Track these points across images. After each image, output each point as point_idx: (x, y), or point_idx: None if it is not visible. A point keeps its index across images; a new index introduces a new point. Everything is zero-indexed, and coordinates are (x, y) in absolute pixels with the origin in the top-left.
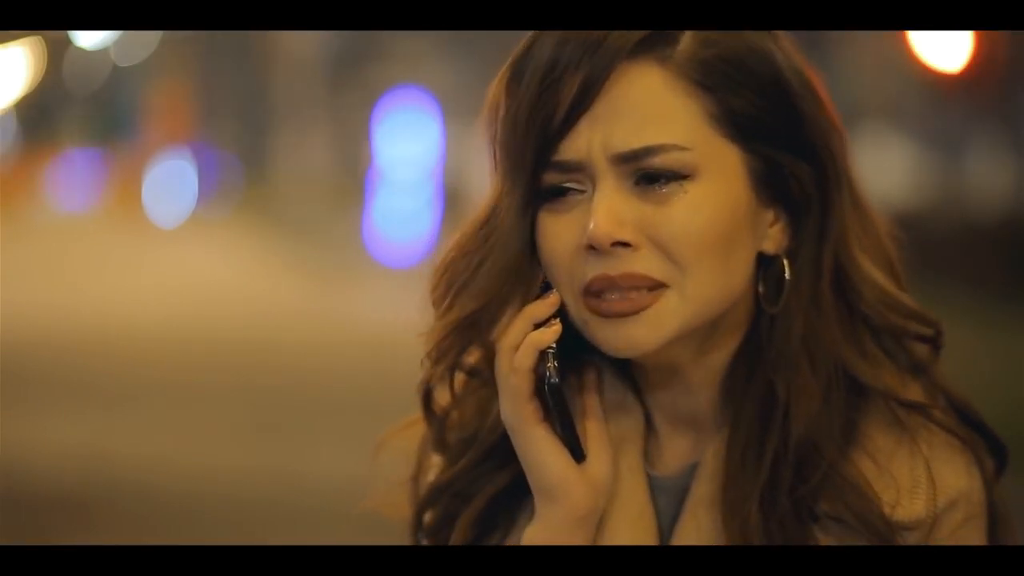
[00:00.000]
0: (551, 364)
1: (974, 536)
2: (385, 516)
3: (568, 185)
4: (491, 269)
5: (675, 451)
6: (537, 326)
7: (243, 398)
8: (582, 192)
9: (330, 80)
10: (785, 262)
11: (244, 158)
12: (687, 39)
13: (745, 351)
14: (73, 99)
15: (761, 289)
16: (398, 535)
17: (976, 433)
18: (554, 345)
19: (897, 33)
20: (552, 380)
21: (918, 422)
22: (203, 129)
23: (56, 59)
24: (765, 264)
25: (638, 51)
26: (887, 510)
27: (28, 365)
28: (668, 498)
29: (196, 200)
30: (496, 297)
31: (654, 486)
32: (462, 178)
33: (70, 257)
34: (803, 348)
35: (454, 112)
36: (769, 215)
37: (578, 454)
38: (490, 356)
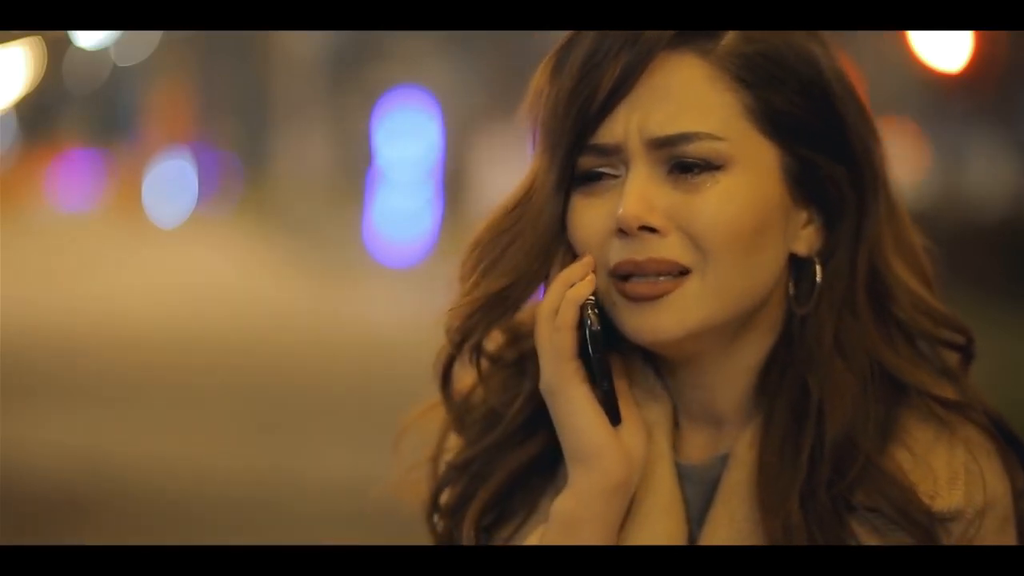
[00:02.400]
0: (591, 312)
1: (1010, 538)
2: (401, 500)
3: (603, 170)
4: (520, 247)
5: (701, 441)
6: None
7: (243, 398)
8: (616, 177)
9: (330, 80)
10: (817, 265)
11: (244, 158)
12: (730, 34)
13: (777, 353)
14: (73, 99)
15: (791, 290)
16: (398, 535)
17: (1009, 445)
18: (592, 296)
19: (897, 33)
20: (593, 328)
21: (956, 419)
22: (203, 129)
23: (56, 59)
24: (797, 266)
25: (678, 42)
26: (926, 500)
27: (28, 365)
28: (695, 487)
29: (196, 200)
30: (524, 275)
31: (681, 474)
32: (462, 178)
33: (70, 257)
34: (835, 348)
35: (454, 112)
36: (802, 216)
37: (614, 414)
38: (513, 339)
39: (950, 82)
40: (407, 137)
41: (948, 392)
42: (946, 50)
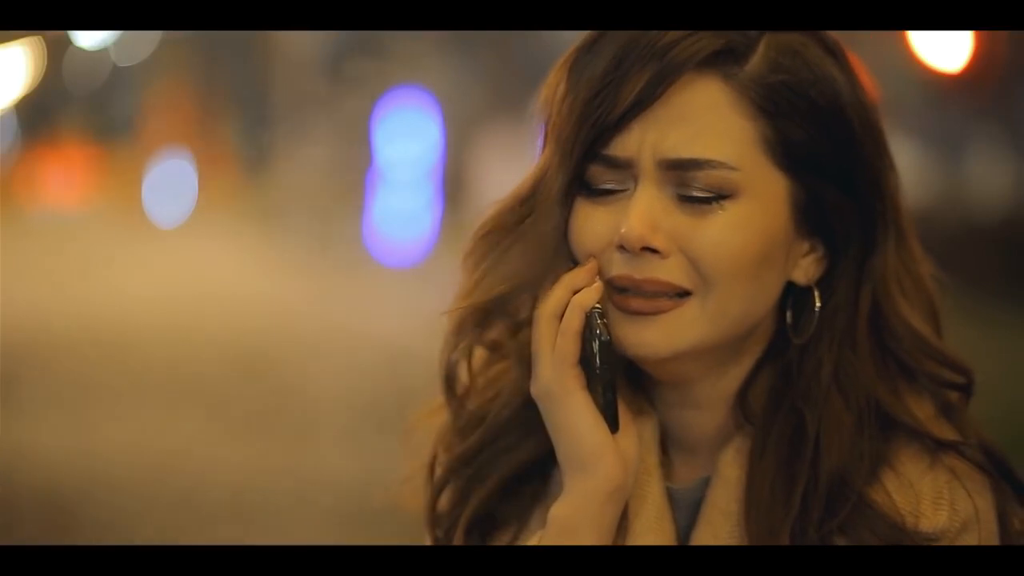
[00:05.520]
0: (600, 322)
1: None
2: (402, 508)
3: (610, 185)
4: (522, 252)
5: (684, 465)
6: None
7: (243, 397)
8: (623, 190)
9: (330, 80)
10: (816, 294)
11: (244, 158)
12: (756, 60)
13: (761, 372)
14: (73, 99)
15: (789, 319)
16: (398, 535)
17: (1004, 479)
18: (599, 305)
19: (897, 33)
20: (603, 338)
21: (948, 454)
22: (203, 129)
23: (56, 59)
24: (795, 295)
25: (705, 64)
26: (910, 520)
27: (27, 365)
28: (681, 509)
29: (196, 200)
30: (524, 283)
31: (668, 496)
32: (462, 178)
33: (70, 257)
34: (835, 383)
35: (454, 112)
36: (804, 245)
37: (613, 422)
38: (513, 329)
39: (950, 82)
40: (407, 137)
41: (945, 430)
42: (946, 50)
